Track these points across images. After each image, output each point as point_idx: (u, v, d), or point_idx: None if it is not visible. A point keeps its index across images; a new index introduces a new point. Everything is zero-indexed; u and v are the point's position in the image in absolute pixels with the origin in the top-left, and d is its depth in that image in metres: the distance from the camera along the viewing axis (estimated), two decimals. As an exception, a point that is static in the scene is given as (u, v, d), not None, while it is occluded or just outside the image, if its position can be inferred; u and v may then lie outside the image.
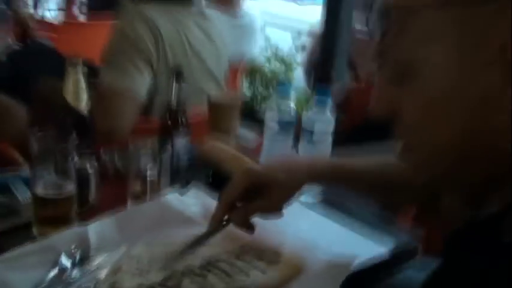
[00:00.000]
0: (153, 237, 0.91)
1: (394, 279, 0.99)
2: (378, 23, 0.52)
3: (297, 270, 0.86)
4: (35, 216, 0.90)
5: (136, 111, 1.30)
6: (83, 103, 0.96)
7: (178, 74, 1.11)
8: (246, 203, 0.82)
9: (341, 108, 2.01)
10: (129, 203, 1.00)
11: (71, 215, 0.90)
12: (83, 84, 0.95)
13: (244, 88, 2.92)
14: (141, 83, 1.32)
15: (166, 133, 1.11)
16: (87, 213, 0.93)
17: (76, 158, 0.90)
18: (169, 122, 1.11)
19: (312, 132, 1.14)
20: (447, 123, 0.48)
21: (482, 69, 0.45)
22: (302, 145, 1.18)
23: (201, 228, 0.95)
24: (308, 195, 1.13)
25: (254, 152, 1.45)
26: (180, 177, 1.09)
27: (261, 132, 1.31)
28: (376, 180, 0.86)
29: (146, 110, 1.36)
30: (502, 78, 0.45)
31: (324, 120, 1.15)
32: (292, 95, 1.22)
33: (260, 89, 3.10)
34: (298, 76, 2.90)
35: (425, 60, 0.48)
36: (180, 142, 1.13)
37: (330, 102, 1.15)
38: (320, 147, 1.15)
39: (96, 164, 0.97)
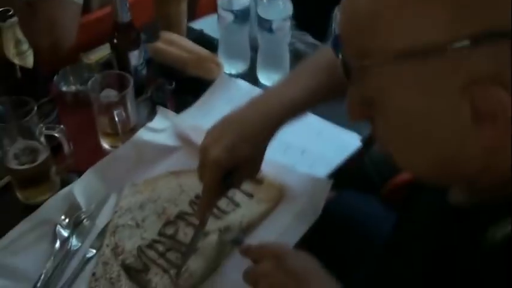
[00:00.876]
0: (135, 178, 0.94)
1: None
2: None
3: (280, 191, 0.91)
4: (15, 185, 0.90)
5: (78, 17, 1.19)
6: (27, 56, 0.88)
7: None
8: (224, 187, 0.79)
9: None
10: (102, 142, 0.99)
11: (50, 177, 0.90)
12: (21, 37, 0.86)
13: None
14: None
15: (119, 53, 1.05)
16: (67, 168, 0.93)
17: (41, 124, 0.86)
18: (118, 40, 1.04)
19: (269, 21, 1.09)
20: (419, 157, 0.51)
21: (448, 112, 0.46)
22: (261, 35, 1.13)
23: (178, 152, 0.97)
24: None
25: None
26: (145, 99, 1.07)
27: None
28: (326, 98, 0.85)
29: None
30: (471, 117, 0.45)
31: (280, 6, 1.09)
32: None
33: None
34: None
35: (386, 102, 0.49)
36: (134, 56, 1.07)
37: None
38: (279, 35, 1.11)
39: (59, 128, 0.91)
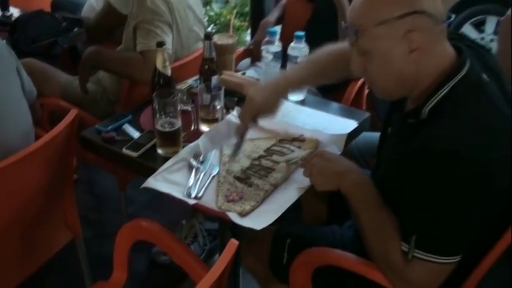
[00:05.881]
0: (228, 142, 1.55)
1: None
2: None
3: (316, 143, 1.54)
4: (159, 143, 1.49)
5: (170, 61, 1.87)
6: (167, 68, 1.52)
7: (207, 35, 1.66)
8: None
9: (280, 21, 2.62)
10: (201, 126, 1.61)
11: (180, 139, 1.50)
12: (166, 57, 1.51)
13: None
14: (170, 42, 1.88)
15: (206, 77, 1.70)
16: (189, 135, 1.53)
17: (180, 105, 1.48)
18: (205, 69, 1.69)
19: (296, 57, 1.77)
20: (389, 78, 1.15)
21: (398, 48, 1.10)
22: (289, 65, 1.81)
23: (250, 129, 1.59)
24: (295, 95, 1.79)
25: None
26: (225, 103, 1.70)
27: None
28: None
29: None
30: (408, 51, 1.10)
31: (302, 48, 1.78)
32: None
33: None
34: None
35: (372, 52, 1.13)
36: (214, 81, 1.72)
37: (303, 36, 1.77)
38: (301, 66, 1.78)
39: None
